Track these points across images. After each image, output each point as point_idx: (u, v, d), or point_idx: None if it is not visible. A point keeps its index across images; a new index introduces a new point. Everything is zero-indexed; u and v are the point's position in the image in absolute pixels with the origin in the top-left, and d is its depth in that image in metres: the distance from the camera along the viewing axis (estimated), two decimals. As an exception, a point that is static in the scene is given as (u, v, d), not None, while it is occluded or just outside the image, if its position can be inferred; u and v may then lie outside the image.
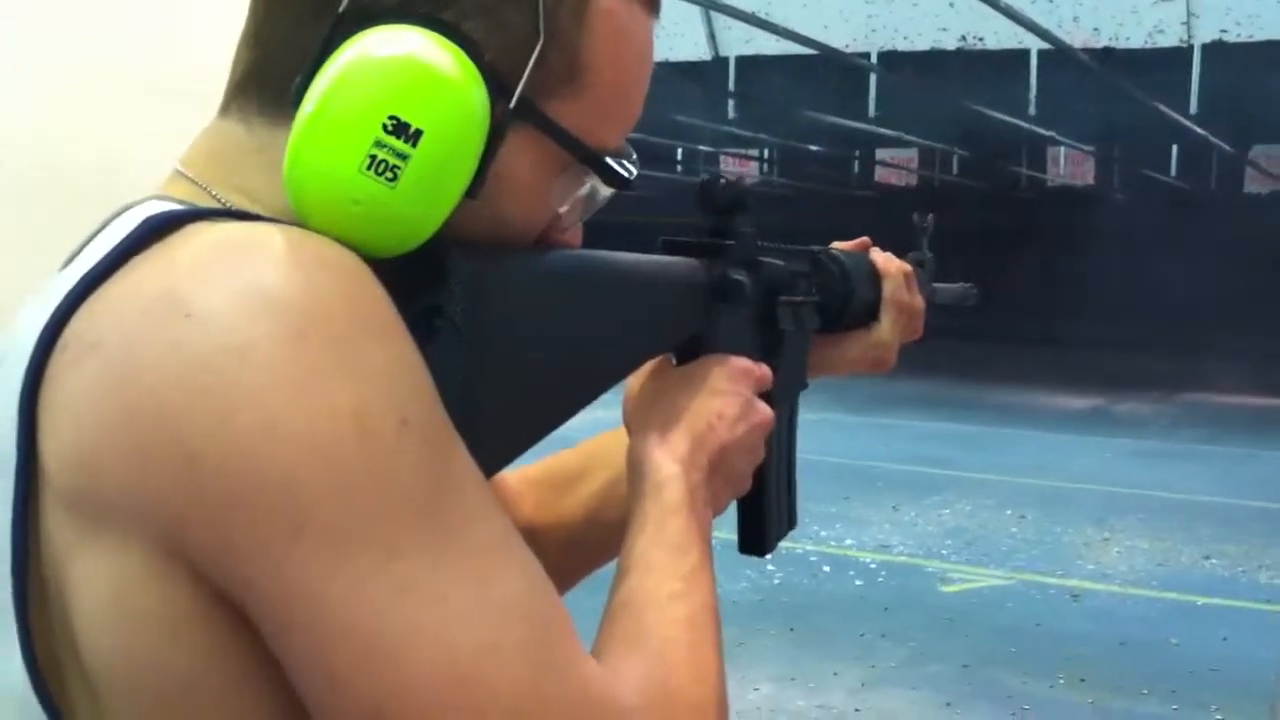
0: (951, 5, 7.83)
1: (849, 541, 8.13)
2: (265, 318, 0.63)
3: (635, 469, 0.87)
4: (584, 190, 0.81)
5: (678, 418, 0.88)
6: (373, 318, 0.65)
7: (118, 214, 0.74)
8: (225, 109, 0.78)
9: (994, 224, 18.24)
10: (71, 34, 1.82)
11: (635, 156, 0.84)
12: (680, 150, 17.02)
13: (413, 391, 0.66)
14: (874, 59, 10.78)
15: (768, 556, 1.04)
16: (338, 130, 0.68)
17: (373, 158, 0.68)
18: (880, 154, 18.48)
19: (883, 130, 12.46)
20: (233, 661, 0.65)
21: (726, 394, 0.90)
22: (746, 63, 12.63)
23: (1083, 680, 5.65)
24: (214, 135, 0.78)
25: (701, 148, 16.39)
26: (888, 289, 1.17)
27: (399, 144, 0.68)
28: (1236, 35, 7.45)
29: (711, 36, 12.39)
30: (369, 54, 0.69)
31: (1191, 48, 9.81)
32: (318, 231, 0.68)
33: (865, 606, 6.66)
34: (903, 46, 8.80)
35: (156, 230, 0.68)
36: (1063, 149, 15.97)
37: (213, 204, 0.73)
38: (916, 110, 11.56)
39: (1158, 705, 5.50)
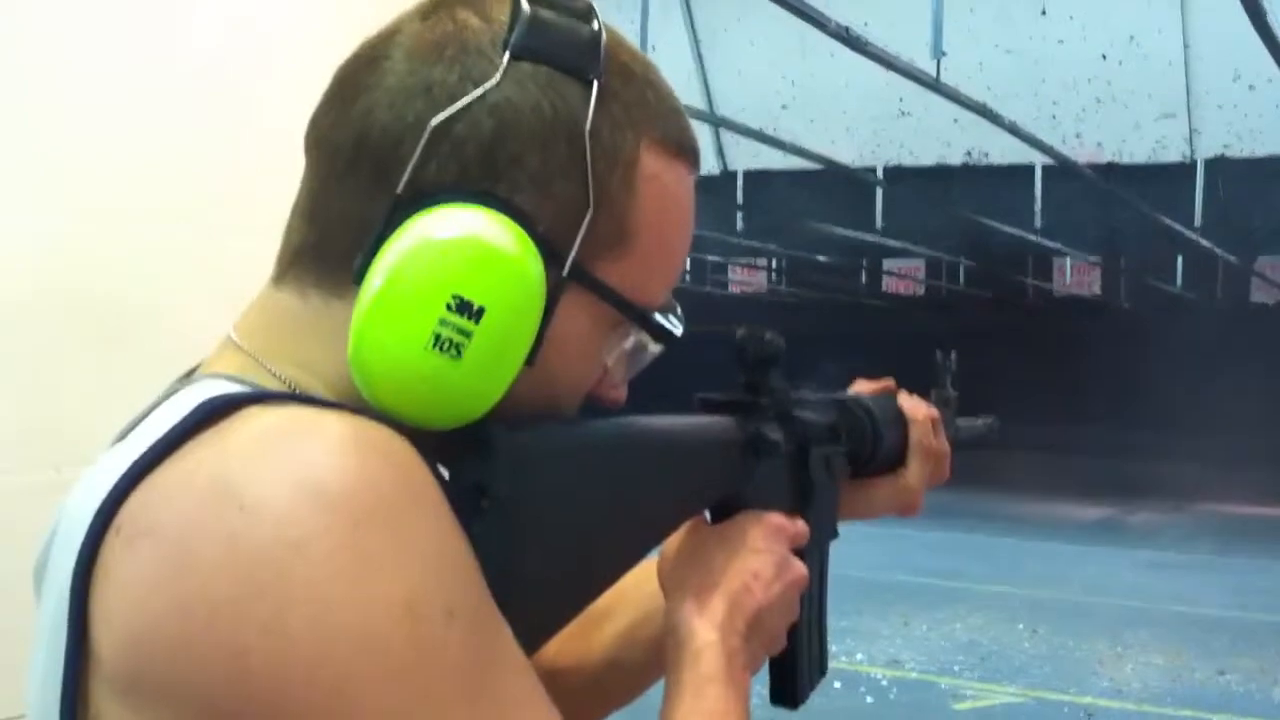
0: (956, 122, 7.93)
1: (860, 656, 8.03)
2: (318, 510, 0.63)
3: (673, 634, 0.86)
4: (632, 347, 0.82)
5: (715, 580, 0.88)
6: (423, 506, 0.66)
7: (174, 390, 0.75)
8: (279, 280, 0.78)
9: (1001, 333, 18.29)
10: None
11: (680, 310, 0.86)
12: (689, 260, 17.13)
13: (460, 579, 0.66)
14: (880, 173, 10.91)
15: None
16: (403, 310, 0.69)
17: (437, 336, 0.69)
18: (888, 264, 18.59)
19: (889, 241, 12.55)
20: None
21: (762, 553, 0.90)
22: (754, 176, 12.80)
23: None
24: (268, 307, 0.78)
25: (710, 258, 16.53)
26: (915, 434, 1.16)
27: (463, 321, 0.70)
28: (1239, 151, 7.54)
29: (720, 151, 12.57)
30: (430, 235, 0.71)
31: (1195, 163, 9.92)
32: (382, 407, 0.70)
33: (879, 726, 6.56)
34: (908, 161, 8.88)
35: (213, 414, 0.68)
36: (1068, 260, 16.06)
37: (268, 379, 0.74)
38: (922, 222, 11.67)
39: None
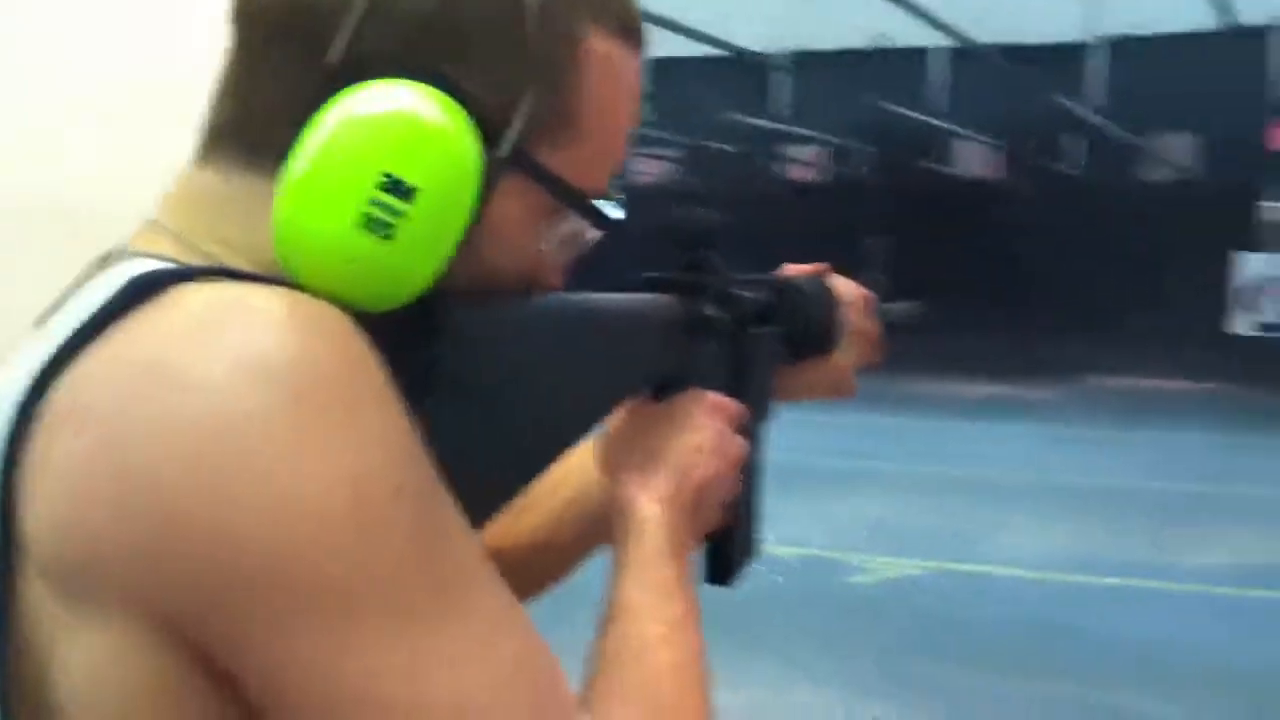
0: (864, 3, 7.94)
1: (770, 538, 8.17)
2: (263, 387, 0.61)
3: (619, 511, 0.86)
4: (573, 233, 0.80)
5: (658, 457, 0.88)
6: (367, 383, 0.65)
7: (96, 268, 0.72)
8: (203, 160, 0.75)
9: (904, 219, 18.47)
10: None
11: (623, 197, 0.85)
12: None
13: (405, 456, 0.65)
14: (784, 59, 10.90)
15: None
16: (331, 188, 0.67)
17: (367, 216, 0.67)
18: (791, 151, 18.63)
19: (794, 129, 12.57)
20: None
21: (704, 430, 0.90)
22: (659, 64, 12.73)
23: (998, 665, 5.75)
24: (191, 186, 0.76)
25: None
26: (848, 316, 1.16)
27: (394, 201, 0.67)
28: (1140, 30, 7.64)
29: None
30: (361, 111, 0.68)
31: (1091, 44, 10.04)
32: (308, 289, 0.68)
33: (784, 601, 6.71)
34: (813, 46, 8.88)
35: (141, 292, 0.66)
36: (969, 144, 16.21)
37: (194, 257, 0.71)
38: (827, 108, 11.70)
39: (1073, 687, 5.61)
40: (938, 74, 10.95)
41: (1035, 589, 7.37)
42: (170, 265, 0.68)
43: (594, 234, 0.82)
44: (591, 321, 0.87)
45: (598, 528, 0.98)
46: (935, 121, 11.82)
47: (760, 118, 11.82)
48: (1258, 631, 6.66)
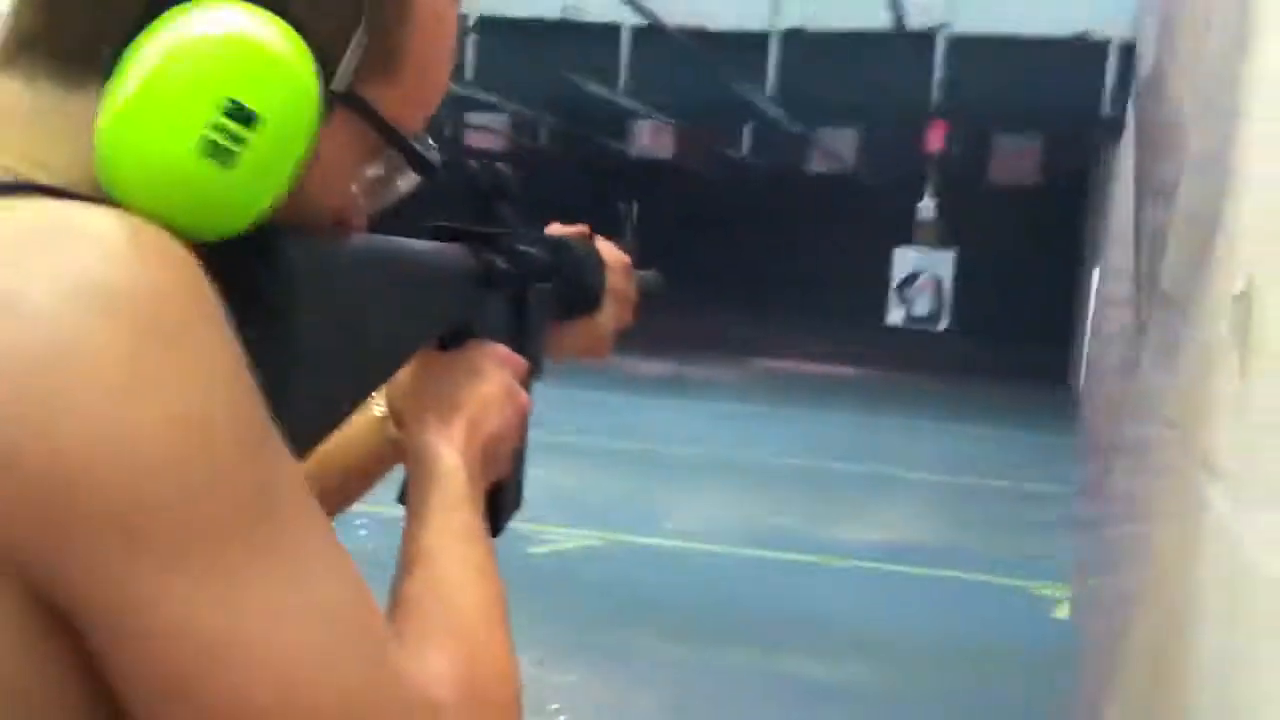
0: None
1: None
2: (97, 317, 0.60)
3: (418, 458, 0.87)
4: (387, 177, 0.81)
5: (454, 406, 0.90)
6: (205, 314, 0.63)
7: None
8: (4, 67, 0.72)
9: (578, 193, 18.73)
10: None
11: (434, 144, 0.83)
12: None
13: (240, 393, 0.64)
14: (472, 23, 10.83)
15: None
16: (169, 110, 0.65)
17: (209, 141, 0.66)
18: (471, 118, 18.54)
19: (475, 95, 12.51)
20: (53, 667, 0.63)
21: (494, 381, 0.92)
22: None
23: (675, 634, 5.96)
24: None
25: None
26: (610, 278, 1.19)
27: (237, 128, 0.66)
28: (815, 24, 7.99)
29: None
30: (202, 32, 0.66)
31: (772, 33, 10.45)
32: (133, 212, 0.66)
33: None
34: (502, 12, 8.86)
35: None
36: (647, 122, 16.56)
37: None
38: (512, 76, 11.70)
39: (745, 653, 5.89)
40: (625, 52, 11.14)
41: (707, 561, 7.67)
42: None
43: (407, 181, 0.82)
44: (399, 265, 0.87)
45: (367, 470, 1.02)
46: (617, 99, 12.02)
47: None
48: (903, 603, 7.16)
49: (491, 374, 0.93)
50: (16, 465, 0.59)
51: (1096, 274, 7.25)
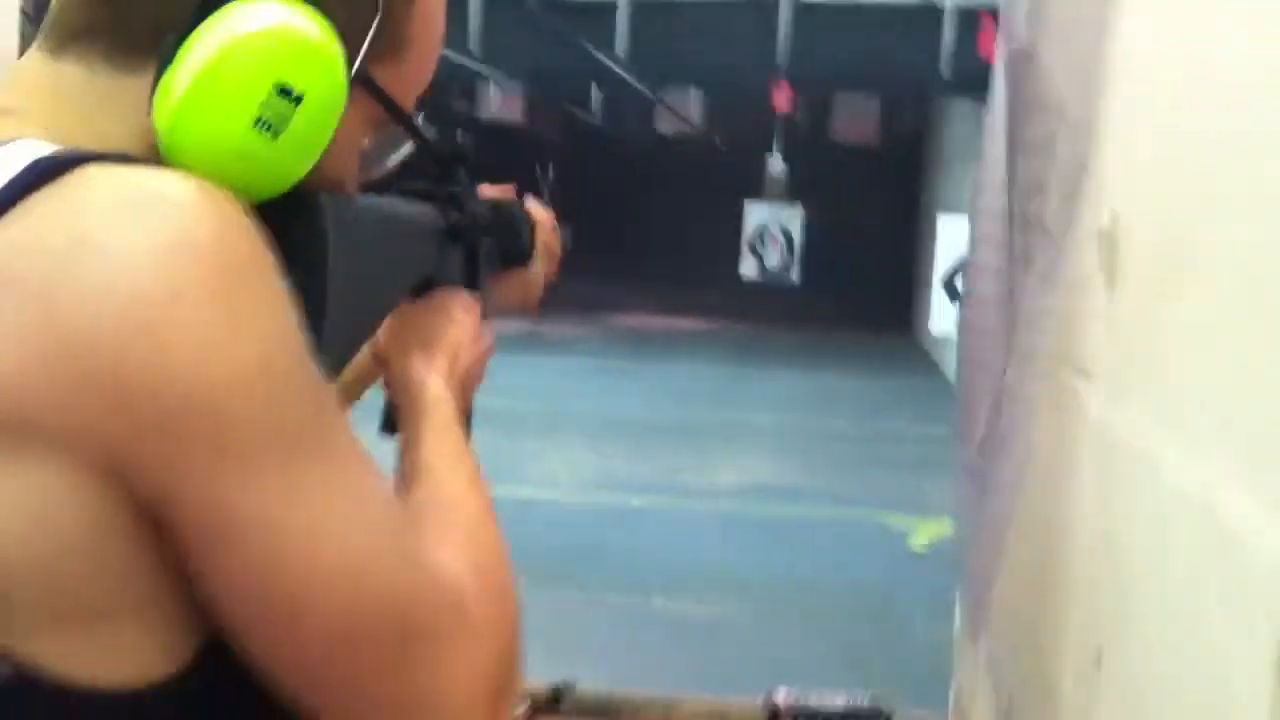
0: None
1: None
2: (190, 265, 0.71)
3: (408, 390, 1.00)
4: (384, 147, 0.93)
5: (434, 343, 1.03)
6: (266, 262, 0.75)
7: None
8: (59, 53, 0.82)
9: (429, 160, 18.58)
10: None
11: (421, 118, 0.97)
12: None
13: (294, 328, 0.76)
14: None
15: None
16: (229, 92, 0.77)
17: (260, 118, 0.78)
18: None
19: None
20: (146, 566, 0.74)
21: (464, 323, 1.06)
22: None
23: (544, 580, 6.11)
24: (47, 78, 0.82)
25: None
26: (540, 234, 1.31)
27: (285, 106, 0.78)
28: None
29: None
30: (254, 26, 0.78)
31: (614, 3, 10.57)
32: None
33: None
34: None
35: (45, 173, 0.73)
36: (496, 86, 16.50)
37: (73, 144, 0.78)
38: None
39: (616, 596, 6.07)
40: (474, 17, 11.13)
41: (571, 510, 7.83)
42: (68, 150, 0.75)
43: (399, 152, 0.96)
44: (393, 222, 1.01)
45: (351, 390, 1.14)
46: (467, 63, 12.00)
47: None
48: (763, 541, 7.43)
49: (462, 318, 1.06)
50: (125, 387, 0.70)
51: (940, 222, 7.57)
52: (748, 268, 11.60)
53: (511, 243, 1.24)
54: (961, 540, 1.64)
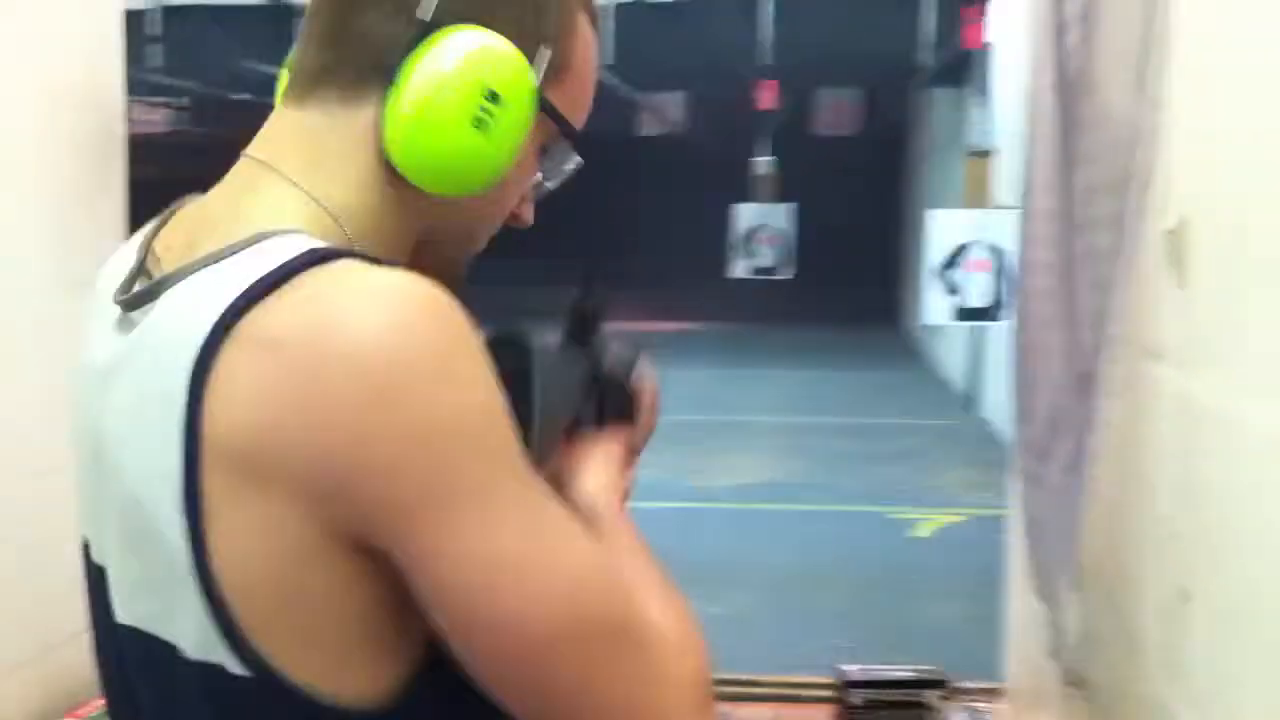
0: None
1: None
2: (412, 342, 0.83)
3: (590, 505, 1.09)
4: (562, 164, 1.05)
5: (602, 478, 1.13)
6: (472, 341, 0.86)
7: (260, 237, 0.89)
8: (303, 102, 0.94)
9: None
10: None
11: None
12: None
13: (497, 392, 0.87)
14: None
15: None
16: (454, 101, 0.91)
17: (477, 118, 0.92)
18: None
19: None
20: (362, 590, 0.85)
21: (615, 467, 1.16)
22: (173, 11, 12.26)
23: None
24: (293, 124, 0.95)
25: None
26: (644, 399, 1.34)
27: (491, 106, 0.92)
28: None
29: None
30: (468, 47, 0.92)
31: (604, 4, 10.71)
32: (418, 179, 0.92)
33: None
34: None
35: (313, 262, 0.86)
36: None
37: (311, 204, 0.93)
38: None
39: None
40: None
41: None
42: (332, 245, 0.88)
43: (570, 167, 1.06)
44: (570, 366, 1.14)
45: None
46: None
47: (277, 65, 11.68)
48: (769, 537, 7.57)
49: (613, 462, 1.16)
50: (362, 439, 0.81)
51: (932, 216, 7.75)
52: (738, 269, 11.74)
53: (625, 402, 1.31)
54: (1030, 512, 1.81)
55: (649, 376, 1.36)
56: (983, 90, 10.12)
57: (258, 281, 0.84)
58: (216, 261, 0.88)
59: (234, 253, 0.87)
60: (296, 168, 0.94)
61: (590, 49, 1.02)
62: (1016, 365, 1.90)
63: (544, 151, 1.02)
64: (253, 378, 0.82)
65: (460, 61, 0.92)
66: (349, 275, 0.85)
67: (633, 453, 1.26)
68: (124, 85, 2.43)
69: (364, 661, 0.86)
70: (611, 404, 1.21)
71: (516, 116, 0.94)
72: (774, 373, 14.30)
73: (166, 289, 0.89)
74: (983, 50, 9.42)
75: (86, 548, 1.00)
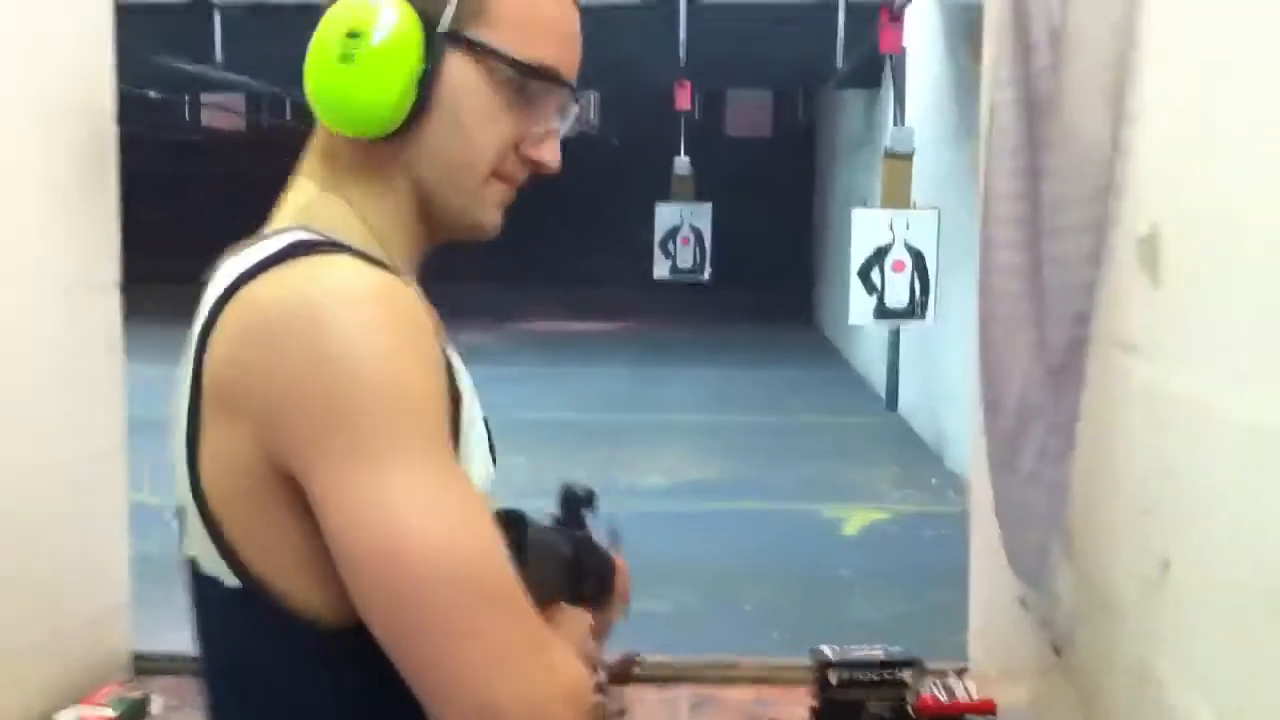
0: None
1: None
2: (362, 321, 0.99)
3: None
4: (553, 104, 1.14)
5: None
6: (414, 332, 1.02)
7: (280, 231, 1.10)
8: None
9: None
10: None
11: (577, 104, 1.19)
12: None
13: (430, 382, 1.02)
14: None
15: None
16: (322, 46, 1.09)
17: (342, 54, 1.07)
18: (207, 98, 18.19)
19: (211, 73, 12.34)
20: (293, 511, 1.00)
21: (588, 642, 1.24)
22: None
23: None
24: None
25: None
26: (619, 581, 1.44)
27: (354, 42, 1.07)
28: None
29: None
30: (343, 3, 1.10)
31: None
32: (330, 120, 1.10)
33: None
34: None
35: (296, 249, 1.05)
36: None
37: (331, 197, 1.13)
38: (257, 54, 11.64)
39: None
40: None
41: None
42: (312, 237, 1.07)
43: (570, 112, 1.16)
44: (553, 548, 1.27)
45: None
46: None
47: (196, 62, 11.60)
48: (705, 536, 7.70)
49: (586, 635, 1.23)
50: (304, 375, 0.97)
51: (855, 216, 7.93)
52: (660, 270, 11.85)
53: (602, 582, 1.39)
54: (1002, 496, 1.95)
55: (619, 558, 1.45)
56: (900, 95, 10.34)
57: (258, 263, 1.04)
58: (250, 246, 1.09)
59: (255, 244, 1.09)
60: (312, 171, 1.15)
61: None
62: (983, 362, 2.04)
63: (519, 91, 1.11)
64: (234, 326, 1.01)
65: (329, 13, 1.09)
66: (322, 261, 1.04)
67: (604, 627, 1.35)
68: (114, 88, 2.49)
69: (330, 580, 0.99)
70: (590, 582, 1.32)
71: (387, 48, 1.06)
72: (697, 372, 14.47)
73: (229, 257, 1.10)
74: (898, 55, 9.63)
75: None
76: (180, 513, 1.08)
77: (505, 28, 1.09)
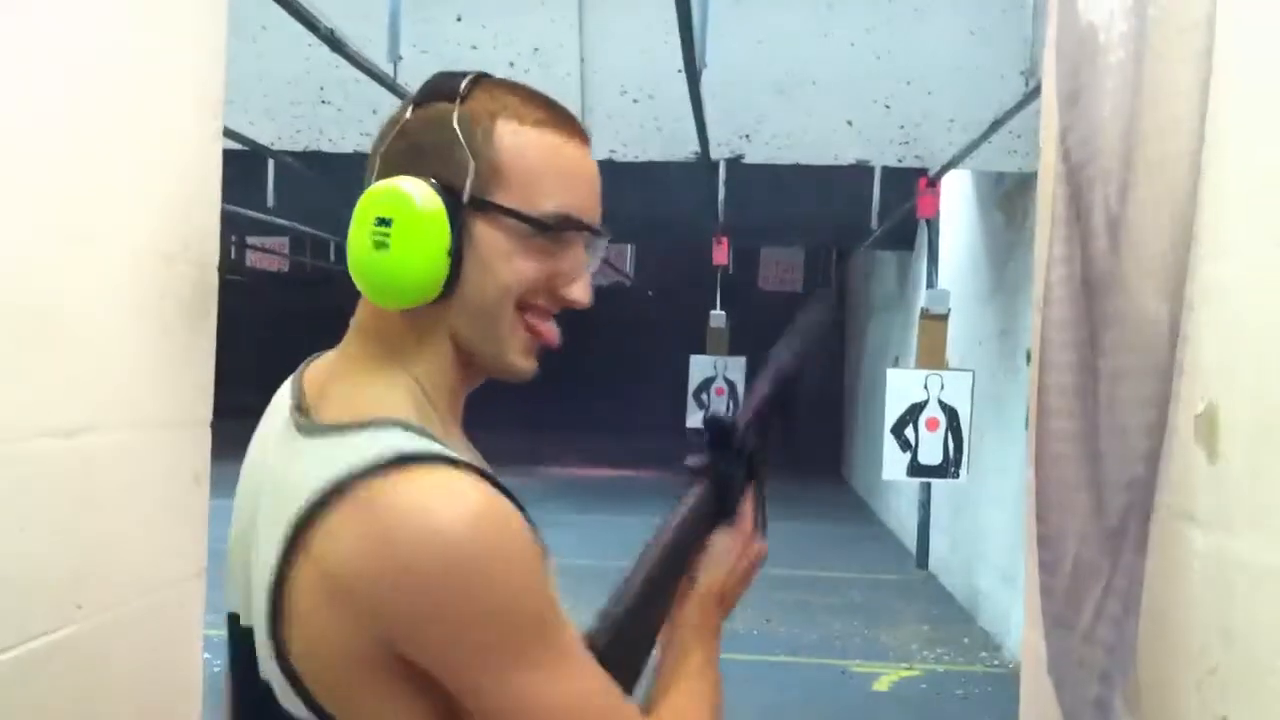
0: (375, 113, 8.39)
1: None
2: (483, 533, 1.11)
3: (684, 627, 1.49)
4: (580, 248, 1.25)
5: (709, 585, 1.48)
6: (527, 542, 1.15)
7: (368, 423, 1.17)
8: None
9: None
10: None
11: (603, 243, 1.30)
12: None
13: (546, 577, 1.18)
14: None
15: None
16: (357, 233, 1.19)
17: (375, 241, 1.18)
18: (253, 240, 18.57)
19: (256, 215, 12.66)
20: (419, 703, 1.14)
21: (727, 558, 1.49)
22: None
23: None
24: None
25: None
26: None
27: (383, 229, 1.17)
28: (623, 156, 8.65)
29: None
30: (374, 189, 1.21)
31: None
32: (375, 298, 1.22)
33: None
34: (326, 147, 9.22)
35: (395, 462, 1.13)
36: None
37: (393, 375, 1.23)
38: (304, 200, 11.94)
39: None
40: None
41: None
42: (418, 449, 1.15)
43: (598, 247, 1.28)
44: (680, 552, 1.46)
45: None
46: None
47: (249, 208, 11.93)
48: (733, 688, 7.65)
49: (724, 552, 1.47)
50: (438, 600, 1.09)
51: (890, 376, 8.06)
52: (694, 420, 11.97)
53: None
54: (1057, 653, 2.03)
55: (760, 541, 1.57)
56: (934, 257, 10.55)
57: (361, 466, 1.12)
58: (341, 434, 1.17)
59: (351, 431, 1.17)
60: (364, 338, 1.27)
61: (524, 144, 1.21)
62: (1040, 523, 2.13)
63: (542, 238, 1.21)
64: (352, 532, 1.10)
65: (362, 200, 1.19)
66: (432, 482, 1.12)
67: (724, 597, 1.51)
68: (219, 237, 2.65)
69: None
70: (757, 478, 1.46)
71: (416, 229, 1.16)
72: (724, 523, 14.36)
73: (315, 436, 1.18)
74: (932, 220, 9.86)
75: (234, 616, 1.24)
76: (244, 633, 1.20)
77: (517, 187, 1.19)
